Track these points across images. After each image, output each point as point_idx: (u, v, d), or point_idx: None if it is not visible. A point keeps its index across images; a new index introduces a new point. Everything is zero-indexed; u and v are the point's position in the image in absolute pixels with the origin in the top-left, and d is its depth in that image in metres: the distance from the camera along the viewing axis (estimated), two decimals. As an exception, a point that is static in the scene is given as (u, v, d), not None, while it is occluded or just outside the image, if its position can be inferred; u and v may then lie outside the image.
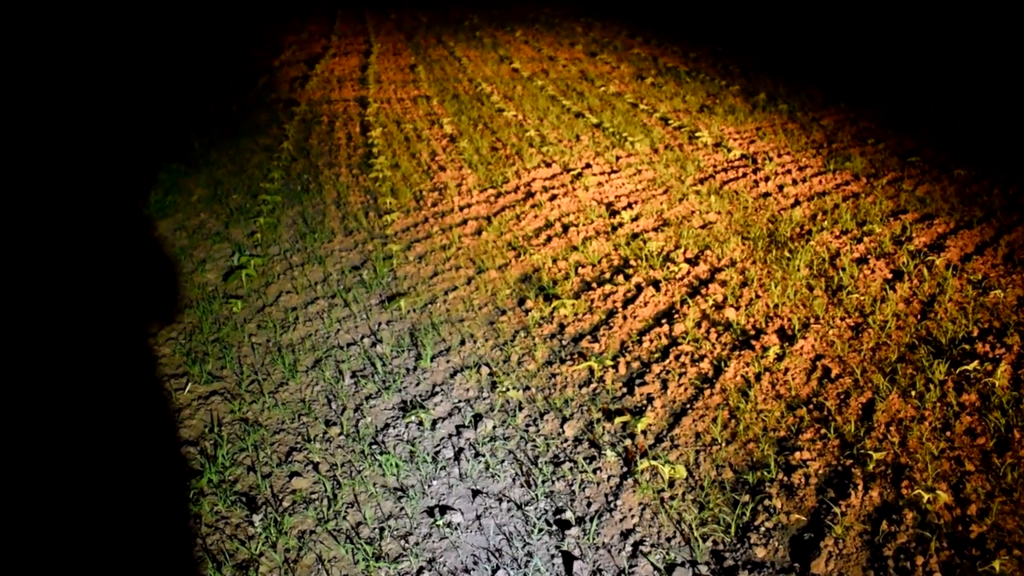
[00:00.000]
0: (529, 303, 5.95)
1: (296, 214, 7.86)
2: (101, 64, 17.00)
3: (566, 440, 4.38)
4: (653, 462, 4.10)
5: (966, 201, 8.54)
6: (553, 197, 8.32)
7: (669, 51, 19.42)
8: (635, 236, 7.30)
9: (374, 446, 4.30)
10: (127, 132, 11.13)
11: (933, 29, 24.32)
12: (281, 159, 9.72)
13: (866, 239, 7.31)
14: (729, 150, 10.16)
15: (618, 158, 9.84)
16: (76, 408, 4.66)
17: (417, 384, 4.93)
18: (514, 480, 4.09)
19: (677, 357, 5.20)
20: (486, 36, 21.88)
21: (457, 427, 4.48)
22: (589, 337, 5.44)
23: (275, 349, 5.32)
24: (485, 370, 5.04)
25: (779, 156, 10.09)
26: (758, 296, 6.11)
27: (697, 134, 10.90)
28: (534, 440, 4.38)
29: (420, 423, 4.47)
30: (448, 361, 5.18)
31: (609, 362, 5.05)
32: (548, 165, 9.47)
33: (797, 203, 8.28)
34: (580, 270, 6.55)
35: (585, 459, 4.23)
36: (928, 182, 9.20)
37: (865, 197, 8.50)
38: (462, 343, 5.40)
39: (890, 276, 6.58)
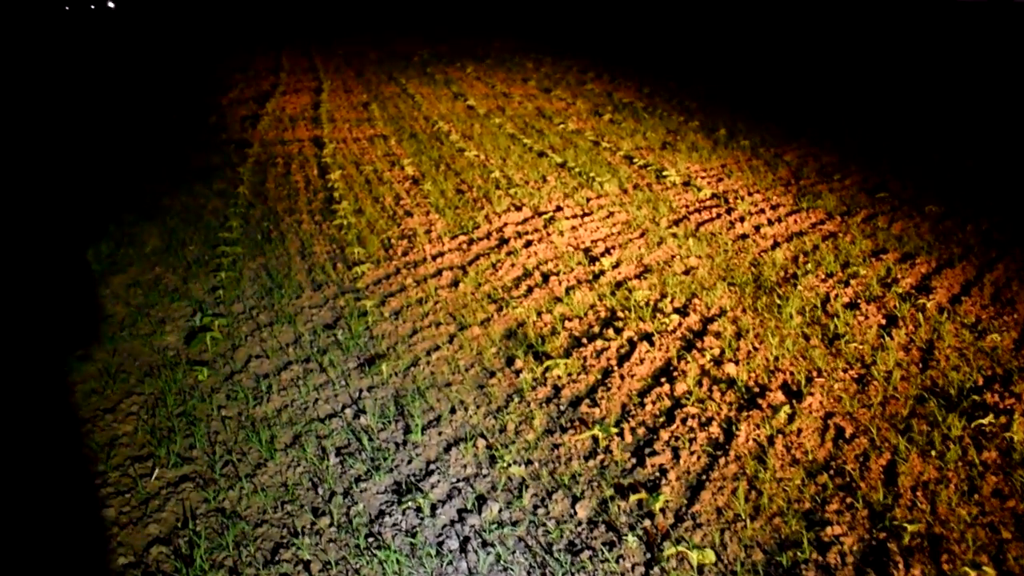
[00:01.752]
0: (519, 363, 5.58)
1: (259, 267, 7.40)
2: (45, 108, 16.33)
3: (580, 523, 4.01)
4: (679, 547, 3.75)
5: (942, 238, 8.44)
6: (528, 243, 8.00)
7: (622, 86, 19.38)
8: (619, 285, 7.00)
9: (370, 539, 3.87)
10: (73, 179, 10.54)
11: (877, 67, 24.78)
12: (238, 205, 9.25)
13: (853, 282, 7.12)
14: (699, 189, 9.97)
15: (588, 200, 9.57)
16: (23, 506, 4.15)
17: (409, 461, 4.52)
18: (529, 574, 3.69)
19: (684, 420, 4.88)
20: (437, 72, 21.65)
21: (459, 512, 4.07)
22: (588, 400, 5.10)
23: (249, 424, 4.86)
24: (482, 442, 4.65)
25: (750, 195, 9.93)
26: (756, 348, 5.84)
27: (664, 173, 10.71)
28: (545, 524, 4.00)
29: (418, 509, 4.06)
30: (440, 433, 4.77)
31: (613, 429, 4.71)
32: (518, 208, 9.16)
33: (777, 245, 8.08)
34: (567, 323, 6.22)
35: (604, 545, 3.86)
36: (902, 219, 9.10)
37: (843, 236, 8.34)
38: (452, 411, 5.00)
39: (884, 322, 6.37)
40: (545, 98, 17.68)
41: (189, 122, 14.69)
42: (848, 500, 4.22)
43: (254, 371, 5.51)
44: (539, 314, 6.39)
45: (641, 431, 4.81)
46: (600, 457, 4.54)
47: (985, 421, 4.90)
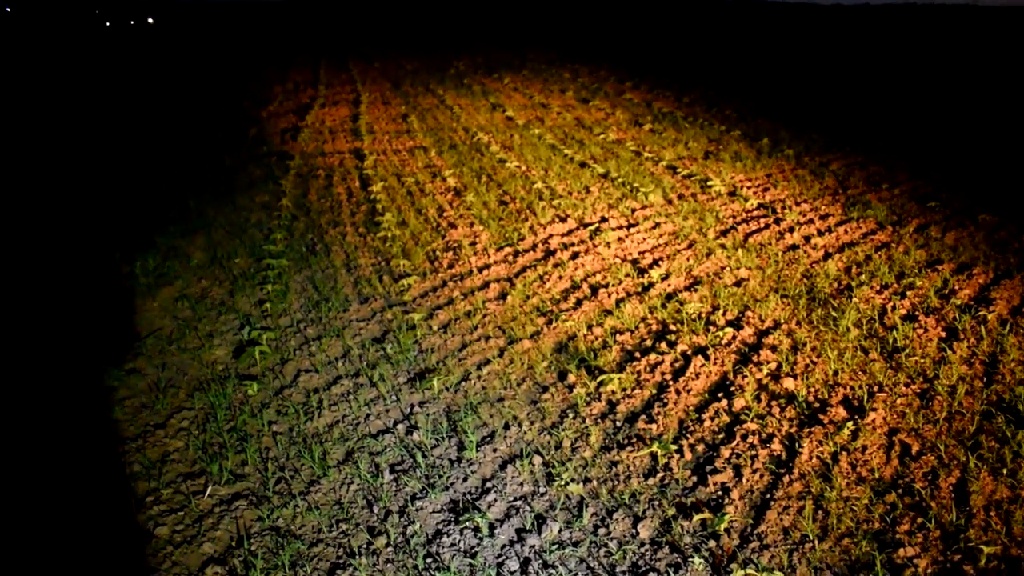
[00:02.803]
0: (571, 377, 5.48)
1: (305, 279, 7.38)
2: (93, 122, 16.55)
3: (643, 544, 3.90)
4: (746, 570, 3.62)
5: (998, 248, 8.22)
6: (575, 255, 7.90)
7: (661, 96, 19.25)
8: (669, 297, 6.87)
9: (428, 559, 3.79)
10: (121, 193, 10.63)
11: (918, 75, 24.44)
12: (281, 218, 9.26)
13: (909, 294, 6.93)
14: (745, 199, 9.81)
15: (633, 210, 9.46)
16: (76, 525, 4.12)
17: (465, 479, 4.43)
18: (592, 597, 3.59)
19: (744, 437, 4.75)
20: (474, 84, 21.66)
21: (518, 531, 3.97)
22: (644, 416, 4.98)
23: (300, 440, 4.81)
24: (538, 459, 4.55)
25: (797, 204, 9.76)
26: (813, 362, 5.69)
27: (709, 183, 10.57)
28: (607, 545, 3.89)
29: (476, 528, 3.97)
30: (495, 450, 4.68)
31: (672, 446, 4.58)
32: (563, 220, 9.07)
33: (828, 256, 7.92)
34: (618, 337, 6.10)
35: (669, 567, 3.74)
36: (955, 228, 8.89)
37: (896, 247, 8.15)
38: (506, 427, 4.91)
39: (944, 335, 6.19)
40: (584, 108, 17.60)
41: (230, 135, 14.80)
42: (919, 520, 4.07)
43: (304, 386, 5.46)
44: (589, 327, 6.29)
45: (700, 448, 4.68)
46: (660, 475, 4.43)
47: (1058, 438, 4.71)
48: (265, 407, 5.19)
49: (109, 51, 35.24)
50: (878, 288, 7.09)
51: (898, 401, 5.18)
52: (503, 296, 6.93)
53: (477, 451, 4.65)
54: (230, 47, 37.16)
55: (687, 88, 20.74)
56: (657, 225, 8.92)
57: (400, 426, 4.94)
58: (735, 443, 4.69)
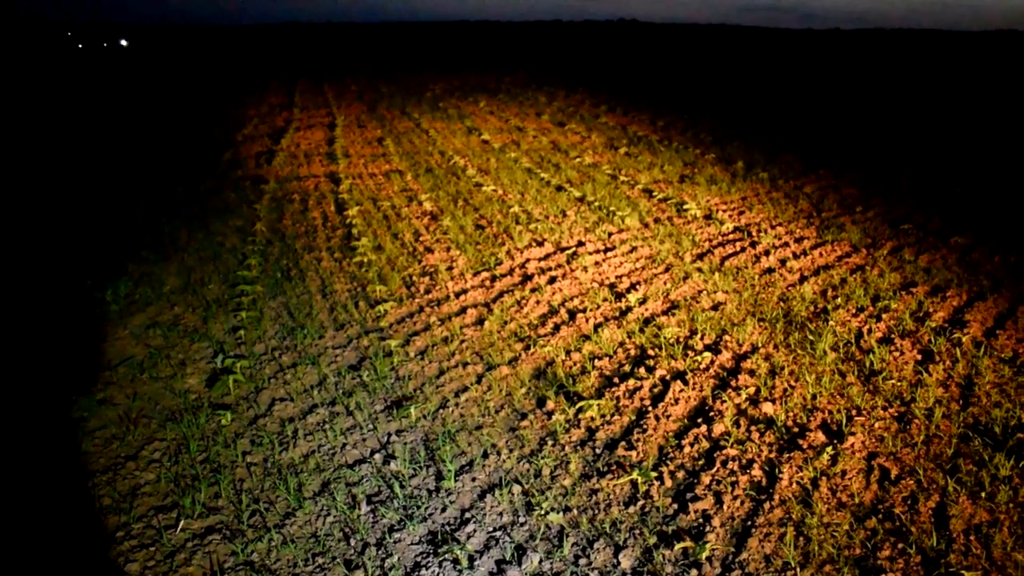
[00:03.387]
0: (550, 404, 5.44)
1: (280, 306, 7.30)
2: (65, 146, 16.39)
3: (624, 574, 3.84)
4: (729, 600, 3.58)
5: (971, 270, 8.29)
6: (552, 280, 7.88)
7: (636, 119, 19.36)
8: (647, 321, 6.86)
9: (407, 593, 3.71)
10: (91, 218, 10.50)
11: (887, 100, 24.77)
12: (256, 242, 9.18)
13: (885, 316, 6.97)
14: (721, 223, 9.85)
15: (610, 234, 9.47)
16: (51, 561, 4.01)
17: (443, 510, 4.36)
18: (574, 629, 3.53)
19: (724, 463, 4.72)
20: (450, 107, 21.70)
21: (498, 563, 3.92)
22: (624, 443, 4.94)
23: (275, 471, 4.72)
24: (517, 488, 4.50)
25: (772, 227, 9.81)
26: (792, 386, 5.68)
27: (685, 206, 10.61)
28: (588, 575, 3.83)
29: (456, 560, 3.91)
30: (473, 479, 4.62)
31: (652, 473, 4.55)
32: (540, 244, 9.06)
33: (804, 279, 7.95)
34: (597, 362, 6.08)
35: (650, 598, 3.69)
36: (928, 251, 8.96)
37: (870, 269, 8.20)
38: (485, 456, 4.86)
39: (920, 357, 6.21)
40: (559, 132, 17.67)
41: (204, 159, 14.70)
42: (900, 545, 4.05)
43: (278, 415, 5.38)
44: (568, 353, 6.26)
45: (681, 475, 4.65)
46: (641, 503, 4.39)
47: (1035, 461, 4.73)
48: (239, 437, 5.10)
49: (81, 74, 35.01)
50: (854, 311, 7.12)
51: (876, 425, 5.18)
52: (481, 321, 6.89)
53: (455, 480, 4.58)
54: (205, 70, 37.05)
55: (662, 112, 20.89)
56: (634, 249, 8.93)
57: (377, 455, 4.87)
58: (715, 469, 4.67)
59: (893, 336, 6.61)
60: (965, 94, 28.26)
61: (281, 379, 5.88)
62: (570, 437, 5.05)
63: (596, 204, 10.81)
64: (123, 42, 66.75)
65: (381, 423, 5.24)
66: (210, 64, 42.02)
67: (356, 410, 5.39)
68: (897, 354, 6.25)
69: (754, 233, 9.57)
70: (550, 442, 4.99)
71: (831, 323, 6.79)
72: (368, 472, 4.71)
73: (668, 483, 4.56)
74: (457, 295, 7.52)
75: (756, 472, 4.66)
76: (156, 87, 29.30)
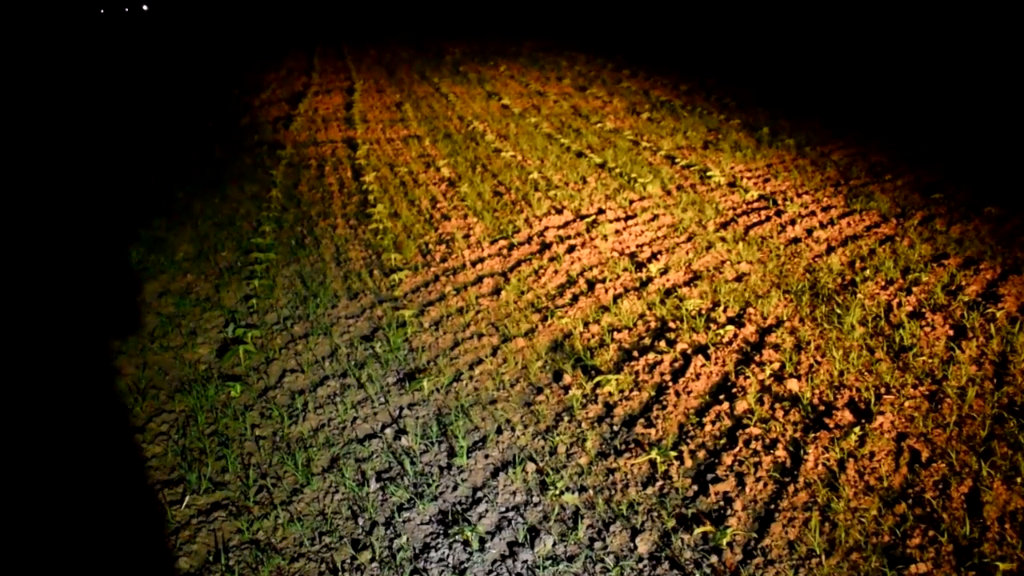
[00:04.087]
0: (567, 378, 5.27)
1: (293, 274, 7.16)
2: (84, 111, 16.28)
3: (641, 559, 3.70)
4: (751, 588, 3.42)
5: (1005, 242, 8.01)
6: (571, 248, 7.68)
7: (659, 84, 18.98)
8: (668, 292, 6.66)
9: (415, 576, 3.58)
10: (105, 182, 10.39)
11: (917, 63, 24.16)
12: (271, 209, 9.03)
13: (915, 289, 6.73)
14: (745, 191, 9.59)
15: (631, 202, 9.24)
16: (46, 535, 3.91)
17: (454, 488, 4.22)
18: (588, 617, 3.39)
19: (747, 443, 4.55)
20: (470, 71, 21.38)
21: (510, 545, 3.77)
22: (642, 420, 4.78)
23: (284, 445, 4.60)
24: (531, 467, 4.35)
25: (798, 196, 9.54)
26: (818, 362, 5.48)
27: (708, 173, 10.35)
28: (603, 560, 3.69)
29: (466, 542, 3.77)
30: (487, 456, 4.48)
31: (672, 453, 4.38)
32: (559, 211, 8.84)
33: (831, 249, 7.70)
34: (615, 335, 5.90)
35: (668, 585, 3.54)
36: (960, 221, 8.68)
37: (900, 240, 7.94)
38: (499, 432, 4.70)
39: (952, 333, 5.99)
40: (580, 96, 17.34)
41: (221, 124, 14.54)
42: (931, 533, 3.88)
43: (289, 387, 5.25)
44: (586, 324, 6.08)
45: (701, 454, 4.48)
46: (659, 484, 4.23)
47: (1073, 443, 4.52)
48: (248, 410, 4.98)
49: (103, 39, 34.87)
50: (883, 284, 6.89)
51: (906, 404, 4.98)
52: (497, 291, 6.72)
53: (468, 457, 4.44)
54: (224, 34, 36.80)
55: (685, 76, 20.46)
56: (655, 217, 8.70)
57: (388, 430, 4.74)
58: (737, 449, 4.50)
59: (924, 310, 6.39)
60: (1001, 60, 27.54)
61: (292, 349, 5.75)
62: (587, 413, 4.88)
63: (617, 171, 10.56)
64: (144, 7, 66.51)
65: (393, 396, 5.10)
66: (230, 27, 41.73)
67: (368, 382, 5.25)
68: (928, 329, 6.03)
69: (780, 201, 9.31)
70: (566, 418, 4.83)
71: (859, 296, 6.57)
72: (378, 447, 4.57)
73: (688, 463, 4.40)
74: (474, 264, 7.34)
75: (780, 452, 4.49)
76: (175, 52, 29.11)
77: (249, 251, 7.67)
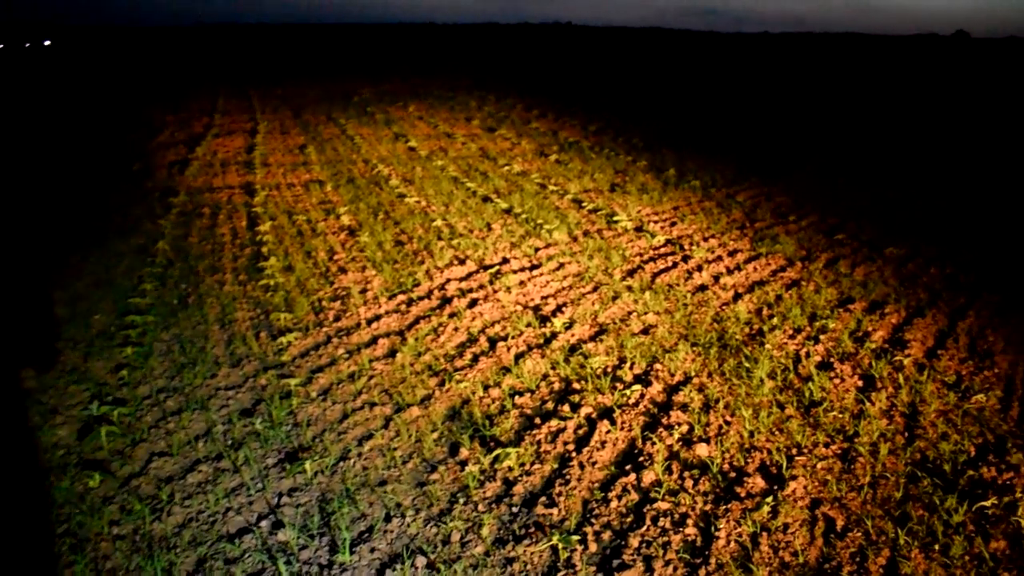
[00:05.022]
0: (464, 451, 4.90)
1: (172, 338, 6.62)
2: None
3: (539, 669, 3.32)
4: None
5: (907, 283, 8.01)
6: (473, 303, 7.34)
7: (567, 125, 18.97)
8: (573, 349, 6.37)
9: None
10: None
11: (814, 105, 24.84)
12: (156, 264, 8.46)
13: (823, 337, 6.59)
14: (652, 235, 9.44)
15: (537, 249, 8.97)
16: None
17: (335, 591, 3.79)
18: None
19: (655, 520, 4.24)
20: (378, 112, 21.04)
21: (393, 661, 3.35)
22: (544, 498, 4.43)
23: (145, 546, 4.09)
24: (421, 561, 3.94)
25: (705, 240, 9.43)
26: (727, 422, 5.24)
27: (615, 218, 10.18)
28: (498, 673, 3.29)
29: (343, 660, 3.33)
30: (372, 550, 4.05)
31: (575, 537, 4.04)
32: (462, 262, 8.51)
33: (738, 296, 7.56)
34: (517, 399, 5.56)
35: None
36: (864, 263, 8.68)
37: (806, 285, 7.85)
38: (387, 519, 4.29)
39: (861, 384, 5.85)
40: (489, 138, 17.16)
41: (111, 170, 13.82)
42: (849, 616, 3.61)
43: (155, 474, 4.73)
44: (486, 388, 5.73)
45: (607, 536, 4.15)
46: (561, 573, 3.86)
47: (987, 504, 4.38)
48: (108, 503, 4.45)
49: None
50: (791, 332, 6.74)
51: (818, 466, 4.76)
52: (392, 353, 6.32)
53: (351, 553, 4.01)
54: (127, 71, 35.67)
55: (594, 117, 20.52)
56: (561, 266, 8.44)
57: (264, 522, 4.27)
58: (645, 528, 4.18)
59: (832, 360, 6.24)
60: (887, 97, 28.55)
61: (163, 428, 5.23)
62: (484, 492, 4.51)
63: (523, 216, 10.31)
64: (46, 42, 64.32)
65: (272, 481, 4.63)
66: (135, 66, 40.52)
67: (244, 466, 4.77)
68: (837, 381, 5.87)
69: (686, 246, 9.17)
70: (462, 499, 4.45)
71: (767, 346, 6.40)
72: (252, 544, 4.10)
73: (593, 547, 4.05)
74: (369, 322, 6.93)
75: (690, 530, 4.19)
76: (72, 91, 27.99)
77: (126, 313, 7.11)
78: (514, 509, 4.35)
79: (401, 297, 7.49)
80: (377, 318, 7.00)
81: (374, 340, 6.56)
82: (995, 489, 4.56)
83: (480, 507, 4.37)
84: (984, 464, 4.84)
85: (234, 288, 7.77)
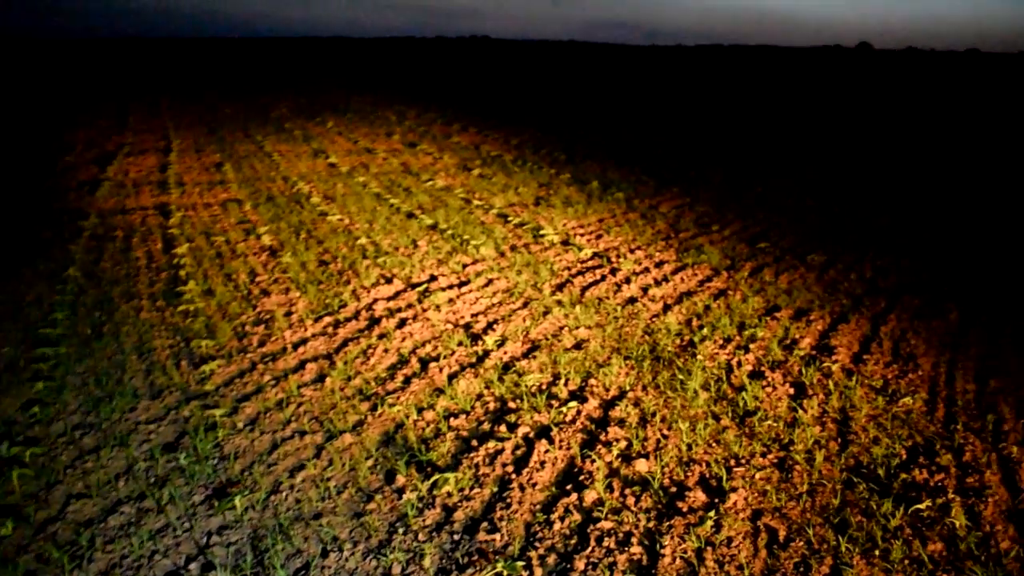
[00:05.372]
0: (400, 478, 4.76)
1: (86, 371, 6.31)
2: None
3: None
4: None
5: (830, 289, 8.17)
6: (402, 323, 7.19)
7: (489, 138, 18.94)
8: (506, 367, 6.28)
9: None
10: None
11: (729, 115, 25.38)
12: (66, 291, 8.08)
13: (752, 347, 6.66)
14: (579, 248, 9.43)
15: (464, 266, 8.87)
16: None
17: (271, 635, 3.60)
18: None
19: (599, 540, 4.17)
20: (297, 128, 20.68)
21: None
22: (486, 524, 4.32)
23: (63, 597, 3.83)
24: (362, 597, 3.79)
25: (631, 252, 9.47)
26: (665, 436, 5.22)
27: (541, 231, 10.16)
28: None
29: None
30: (309, 589, 3.88)
31: (519, 564, 3.94)
32: (388, 281, 8.35)
33: (668, 308, 7.59)
34: (452, 421, 5.44)
35: None
36: (787, 270, 8.82)
37: (732, 294, 7.94)
38: (324, 554, 4.12)
39: (792, 391, 5.91)
40: (411, 153, 17.01)
41: (16, 191, 13.21)
42: (797, 629, 3.59)
43: (74, 518, 4.46)
44: (420, 411, 5.59)
45: (552, 559, 4.06)
46: (507, 602, 3.76)
47: (923, 506, 4.45)
48: (23, 552, 4.17)
49: None
50: (721, 342, 6.78)
51: (757, 476, 4.77)
52: (321, 378, 6.13)
53: (287, 593, 3.83)
54: (36, 88, 34.34)
55: (516, 130, 20.54)
56: (490, 282, 8.35)
57: (193, 565, 4.06)
58: (590, 549, 4.11)
59: (763, 368, 6.30)
60: (796, 105, 29.37)
61: (80, 468, 4.94)
62: (424, 520, 4.38)
63: (449, 232, 10.20)
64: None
65: (199, 520, 4.41)
66: (44, 82, 39.03)
67: (170, 505, 4.54)
68: (769, 389, 5.92)
69: (613, 259, 9.19)
70: (401, 529, 4.31)
71: (699, 357, 6.42)
72: (180, 589, 3.88)
73: (538, 572, 3.97)
74: (295, 346, 6.72)
75: (635, 548, 4.13)
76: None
77: (36, 344, 6.75)
78: (455, 536, 4.23)
79: (328, 319, 7.30)
80: (304, 342, 6.79)
81: (301, 365, 6.36)
82: (928, 491, 4.62)
83: (420, 536, 4.23)
84: (916, 467, 4.91)
85: (152, 315, 7.47)
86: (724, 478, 4.73)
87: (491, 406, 5.68)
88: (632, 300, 7.82)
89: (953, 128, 22.97)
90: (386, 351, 6.60)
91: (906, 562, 4.02)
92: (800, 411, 5.55)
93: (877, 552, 4.09)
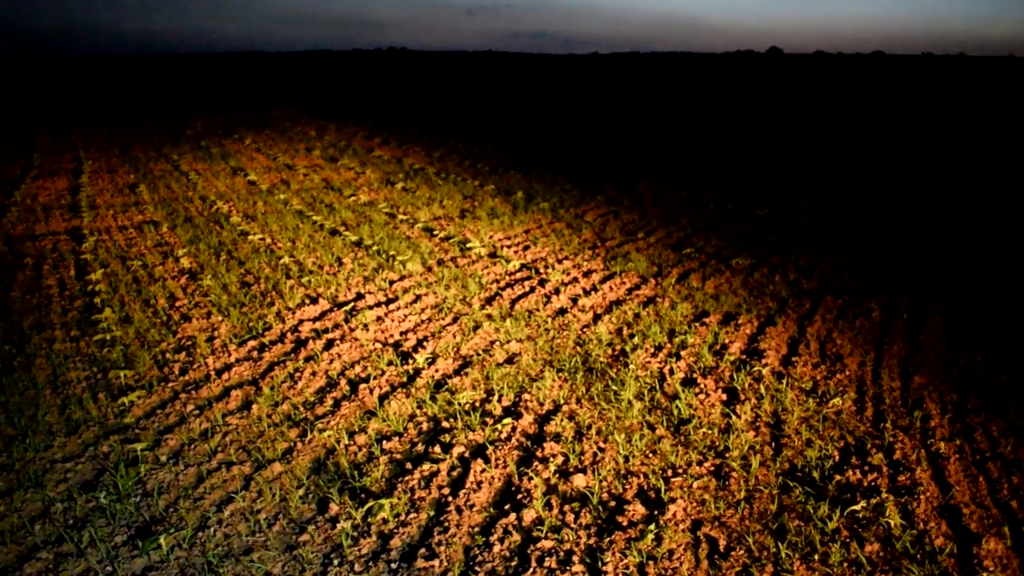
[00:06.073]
0: (333, 506, 4.61)
1: (-4, 408, 5.98)
2: None
3: None
4: None
5: (756, 293, 8.28)
6: (329, 344, 7.03)
7: (411, 151, 18.81)
8: (439, 385, 6.18)
9: None
10: None
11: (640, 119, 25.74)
12: (-29, 325, 7.67)
13: (683, 353, 6.69)
14: (507, 260, 9.39)
15: (391, 282, 8.74)
16: None
17: None
18: None
19: (540, 560, 4.10)
20: (213, 146, 20.20)
21: None
22: (423, 550, 4.21)
23: (-27, 655, 3.59)
24: (297, 636, 3.64)
25: (559, 262, 9.46)
26: (601, 449, 5.19)
27: (468, 244, 10.08)
28: None
29: None
30: (242, 629, 3.71)
31: (460, 589, 3.83)
32: (314, 300, 8.17)
33: (598, 318, 7.58)
34: (385, 444, 5.31)
35: None
36: (713, 275, 8.92)
37: (661, 301, 7.98)
38: (256, 592, 3.95)
39: (725, 397, 5.95)
40: (332, 168, 16.76)
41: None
42: (742, 640, 3.57)
43: (-17, 568, 4.20)
44: (351, 435, 5.45)
45: (493, 584, 3.96)
46: (449, 632, 3.66)
47: (858, 507, 4.50)
48: (-74, 608, 3.90)
49: None
50: (652, 350, 6.80)
51: (695, 485, 4.77)
52: (247, 405, 5.92)
53: (218, 636, 3.65)
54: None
55: (437, 142, 20.45)
56: (418, 298, 8.24)
57: (115, 611, 3.84)
58: (531, 570, 4.04)
59: (695, 375, 6.33)
60: (711, 110, 29.97)
61: (-10, 513, 4.67)
62: (359, 550, 4.24)
63: (374, 248, 10.05)
64: None
65: (123, 562, 4.20)
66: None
67: (90, 548, 4.30)
68: (703, 396, 5.94)
69: (542, 270, 9.17)
70: (336, 560, 4.17)
71: (632, 367, 6.42)
72: (102, 639, 3.68)
73: (479, 598, 3.86)
74: (219, 373, 6.49)
75: (577, 567, 4.08)
76: None
77: (-60, 383, 6.38)
78: (393, 565, 4.11)
79: (252, 343, 7.08)
80: (227, 368, 6.57)
81: (226, 392, 6.14)
82: (862, 492, 4.68)
83: (356, 567, 4.10)
84: (849, 467, 4.98)
85: (66, 345, 7.14)
86: (662, 489, 4.71)
87: (424, 426, 5.57)
88: (562, 311, 7.80)
89: (861, 126, 23.68)
90: (314, 374, 6.42)
91: (845, 564, 4.06)
92: (734, 417, 5.57)
93: (816, 556, 4.11)
